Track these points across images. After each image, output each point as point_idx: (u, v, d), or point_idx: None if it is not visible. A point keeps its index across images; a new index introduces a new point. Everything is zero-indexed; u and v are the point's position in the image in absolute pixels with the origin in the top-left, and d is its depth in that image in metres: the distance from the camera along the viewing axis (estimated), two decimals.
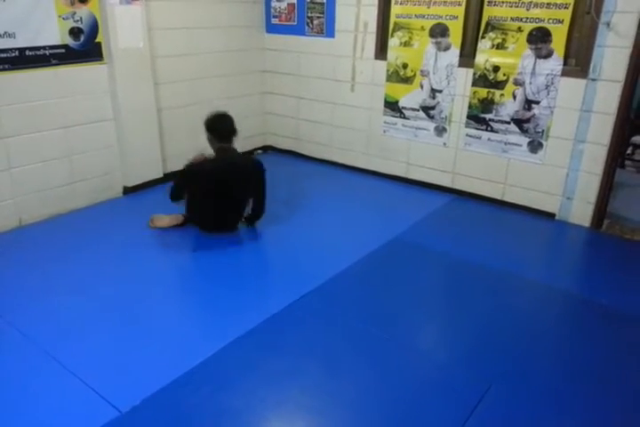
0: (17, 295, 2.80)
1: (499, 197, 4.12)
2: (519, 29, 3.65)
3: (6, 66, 3.31)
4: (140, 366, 2.30)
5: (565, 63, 3.57)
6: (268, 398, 2.15)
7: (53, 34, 3.50)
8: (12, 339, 2.46)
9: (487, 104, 3.94)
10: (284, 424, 2.05)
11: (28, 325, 2.56)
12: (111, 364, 2.32)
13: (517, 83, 3.77)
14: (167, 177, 4.42)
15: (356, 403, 2.15)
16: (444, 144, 4.26)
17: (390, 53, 4.30)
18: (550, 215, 3.91)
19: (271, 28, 4.93)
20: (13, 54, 3.33)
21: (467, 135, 4.12)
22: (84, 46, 3.68)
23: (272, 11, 4.87)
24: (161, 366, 2.30)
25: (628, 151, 5.09)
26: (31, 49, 3.41)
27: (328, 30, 4.58)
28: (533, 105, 3.75)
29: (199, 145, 4.65)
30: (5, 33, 3.27)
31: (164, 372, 2.25)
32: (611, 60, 3.38)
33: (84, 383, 2.18)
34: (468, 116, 4.06)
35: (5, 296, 2.79)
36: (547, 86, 3.65)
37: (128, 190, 4.16)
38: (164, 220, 3.59)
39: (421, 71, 4.19)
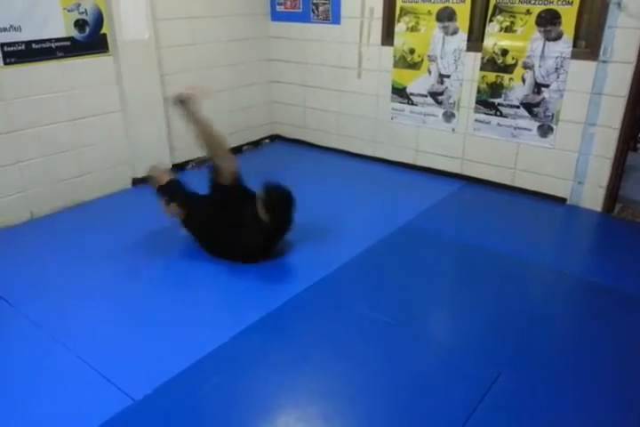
0: (29, 286, 2.84)
1: (509, 183, 4.09)
2: (528, 12, 3.59)
3: (13, 59, 3.32)
4: (152, 355, 2.33)
5: (575, 45, 3.50)
6: (279, 385, 2.17)
7: (59, 26, 3.50)
8: (25, 329, 2.50)
9: (496, 88, 3.89)
10: (295, 411, 2.06)
11: (41, 315, 2.59)
12: (124, 353, 2.34)
13: (526, 66, 3.71)
14: (175, 167, 4.44)
15: (366, 389, 2.16)
16: (453, 130, 4.22)
17: (397, 39, 4.25)
18: (561, 200, 3.88)
19: (276, 16, 4.89)
20: (20, 48, 3.34)
21: (476, 120, 4.08)
22: (90, 38, 3.68)
23: None
24: (173, 354, 2.33)
25: None
26: (37, 42, 3.41)
27: (334, 17, 4.53)
28: (543, 88, 3.69)
29: None
30: (11, 26, 3.28)
31: (176, 360, 2.28)
32: (622, 41, 3.31)
33: (97, 372, 2.21)
34: (477, 101, 4.02)
35: (18, 287, 2.83)
36: (556, 69, 3.60)
37: (137, 182, 4.18)
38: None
39: (429, 56, 4.14)
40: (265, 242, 3.05)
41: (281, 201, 2.98)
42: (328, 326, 2.55)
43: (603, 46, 3.38)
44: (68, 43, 3.57)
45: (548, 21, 3.53)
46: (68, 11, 3.52)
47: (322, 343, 2.43)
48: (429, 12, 4.01)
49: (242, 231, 2.98)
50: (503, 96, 3.88)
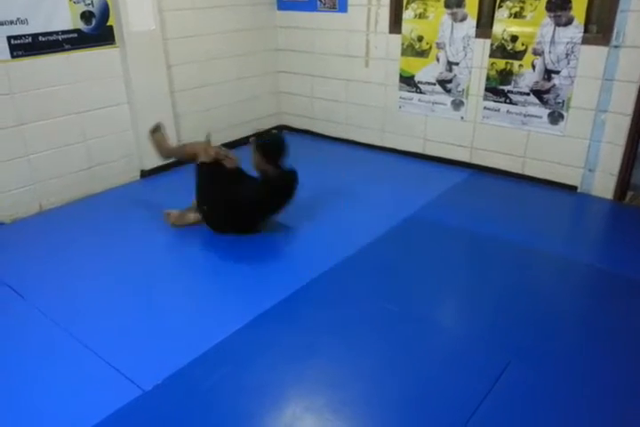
0: (39, 279, 2.86)
1: (519, 171, 4.05)
2: None
3: (20, 52, 3.32)
4: (161, 346, 2.34)
5: (586, 30, 3.44)
6: (287, 374, 2.18)
7: (65, 18, 3.50)
8: (35, 321, 2.52)
9: (506, 75, 3.84)
10: (302, 400, 2.07)
11: (51, 307, 2.62)
12: (133, 344, 2.36)
13: (536, 52, 3.66)
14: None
15: (375, 378, 2.16)
16: (462, 118, 4.18)
17: (405, 26, 4.20)
18: (572, 188, 3.83)
19: (282, 5, 4.85)
20: (27, 40, 3.34)
21: (485, 108, 4.03)
22: (96, 30, 3.67)
23: None
24: (182, 345, 2.34)
25: None
26: (44, 35, 3.41)
27: (340, 5, 4.48)
28: (553, 75, 3.64)
29: (213, 126, 4.67)
30: (18, 19, 3.28)
31: (184, 351, 2.29)
32: (635, 25, 3.24)
33: (107, 363, 2.23)
34: (486, 89, 3.97)
35: (28, 280, 2.85)
36: (567, 55, 3.54)
37: (145, 174, 4.19)
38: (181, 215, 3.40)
39: (437, 44, 4.09)
40: (265, 200, 3.22)
41: (276, 145, 3.21)
42: (337, 315, 2.55)
43: (615, 31, 3.31)
44: (74, 35, 3.57)
45: (559, 6, 3.47)
46: (75, 2, 3.51)
47: (330, 333, 2.43)
48: None
49: (239, 188, 3.17)
50: (513, 83, 3.83)
